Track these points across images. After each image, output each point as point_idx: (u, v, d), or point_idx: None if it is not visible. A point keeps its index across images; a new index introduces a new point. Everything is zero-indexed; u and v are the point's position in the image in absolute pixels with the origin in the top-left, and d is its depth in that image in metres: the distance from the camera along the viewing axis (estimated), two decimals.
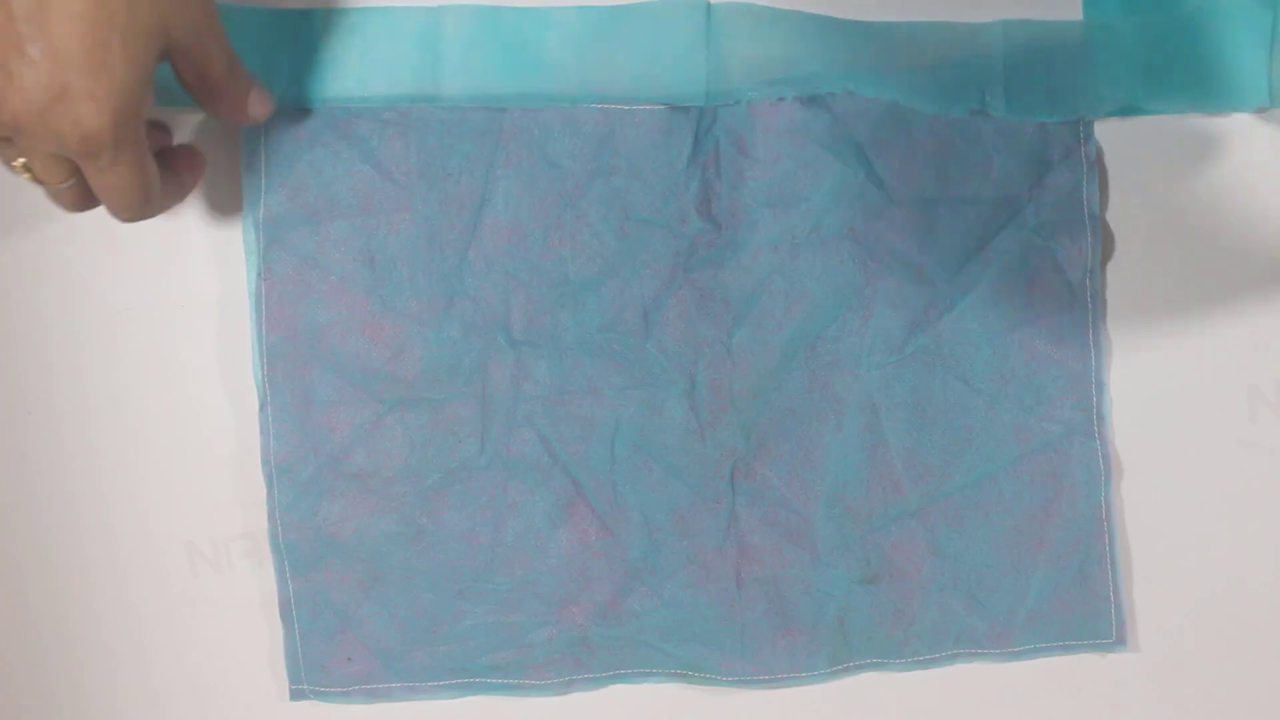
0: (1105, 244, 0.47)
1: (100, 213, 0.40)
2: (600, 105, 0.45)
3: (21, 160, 0.37)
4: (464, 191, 0.45)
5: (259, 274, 0.44)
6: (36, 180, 0.37)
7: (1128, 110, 0.47)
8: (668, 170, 0.45)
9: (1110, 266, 0.48)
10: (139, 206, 0.38)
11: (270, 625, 0.47)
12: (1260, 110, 0.47)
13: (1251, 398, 0.48)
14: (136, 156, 0.36)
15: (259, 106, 0.41)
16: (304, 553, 0.46)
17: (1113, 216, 0.47)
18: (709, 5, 0.45)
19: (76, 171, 0.37)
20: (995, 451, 0.47)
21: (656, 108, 0.45)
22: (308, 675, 0.46)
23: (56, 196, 0.38)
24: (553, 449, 0.46)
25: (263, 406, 0.45)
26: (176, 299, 0.46)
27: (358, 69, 0.44)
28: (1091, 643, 0.48)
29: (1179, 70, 0.46)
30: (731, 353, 0.46)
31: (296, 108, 0.43)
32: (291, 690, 0.46)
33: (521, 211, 0.45)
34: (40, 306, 0.46)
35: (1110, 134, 0.47)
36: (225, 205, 0.46)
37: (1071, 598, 0.47)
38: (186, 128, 0.45)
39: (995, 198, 0.46)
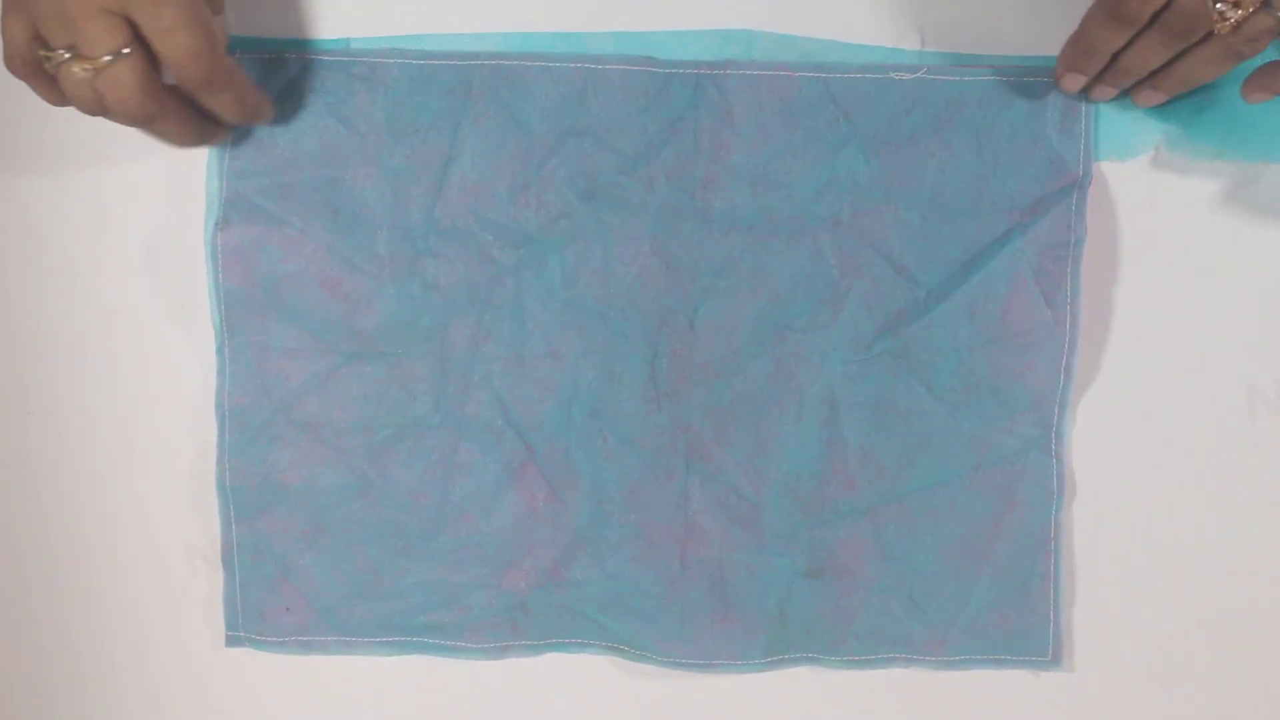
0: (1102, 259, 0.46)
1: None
2: (575, 64, 0.43)
3: (67, 55, 0.36)
4: (431, 149, 0.44)
5: (217, 224, 0.44)
6: (84, 70, 0.36)
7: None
8: (638, 134, 0.44)
9: (1109, 262, 0.46)
10: (205, 57, 0.37)
11: (209, 575, 0.47)
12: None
13: (1252, 397, 0.47)
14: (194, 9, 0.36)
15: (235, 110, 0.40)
16: (249, 498, 0.46)
17: (1115, 221, 0.46)
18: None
19: (132, 39, 0.36)
20: (951, 460, 0.46)
21: (632, 68, 0.44)
22: (245, 623, 0.46)
23: (115, 84, 0.37)
24: (508, 411, 0.45)
25: (219, 350, 0.45)
26: (176, 299, 0.46)
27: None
28: (1027, 659, 0.47)
29: (1208, 118, 0.46)
30: (695, 326, 0.45)
31: (268, 57, 0.43)
32: (228, 637, 0.46)
33: (488, 171, 0.44)
34: (40, 307, 0.46)
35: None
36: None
37: (1011, 613, 0.46)
38: None
39: (989, 214, 0.45)
